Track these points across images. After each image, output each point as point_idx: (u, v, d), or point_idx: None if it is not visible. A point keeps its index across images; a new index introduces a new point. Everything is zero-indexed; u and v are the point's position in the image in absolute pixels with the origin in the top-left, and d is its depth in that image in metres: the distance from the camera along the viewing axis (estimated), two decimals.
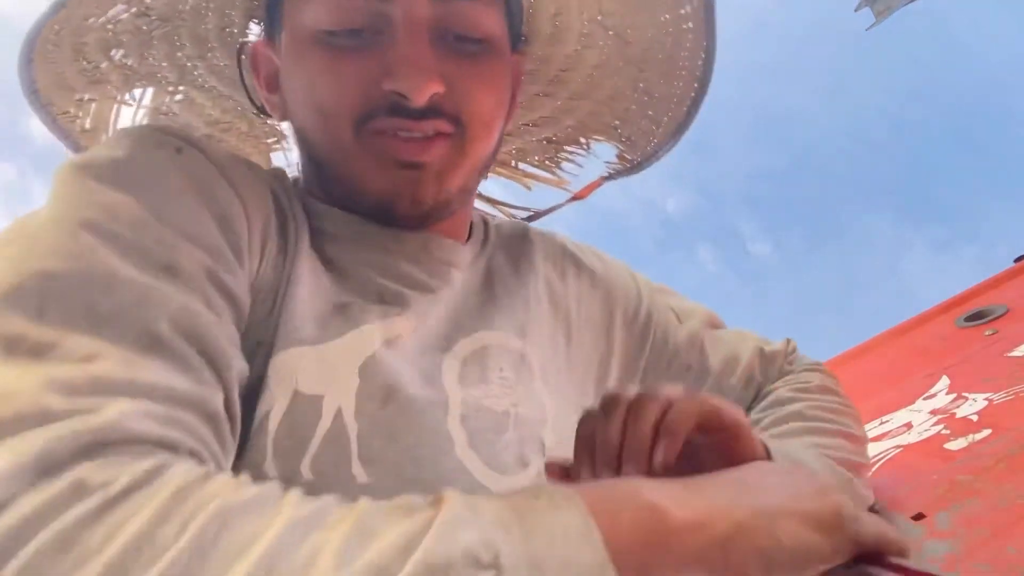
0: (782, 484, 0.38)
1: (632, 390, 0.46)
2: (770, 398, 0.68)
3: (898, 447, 0.85)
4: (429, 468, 0.48)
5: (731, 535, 0.32)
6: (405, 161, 0.53)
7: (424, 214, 0.56)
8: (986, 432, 0.77)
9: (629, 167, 0.76)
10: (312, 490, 0.43)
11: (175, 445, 0.33)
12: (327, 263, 0.54)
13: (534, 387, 0.59)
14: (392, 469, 0.47)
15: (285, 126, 0.73)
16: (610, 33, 0.66)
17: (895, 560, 0.32)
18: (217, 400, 0.39)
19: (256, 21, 0.64)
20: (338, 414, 0.47)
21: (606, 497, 0.32)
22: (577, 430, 0.48)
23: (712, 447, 0.44)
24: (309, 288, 0.51)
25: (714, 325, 0.75)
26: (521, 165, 0.80)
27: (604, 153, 0.78)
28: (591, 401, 0.65)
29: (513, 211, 0.80)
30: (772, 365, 0.73)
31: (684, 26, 0.63)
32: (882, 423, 0.97)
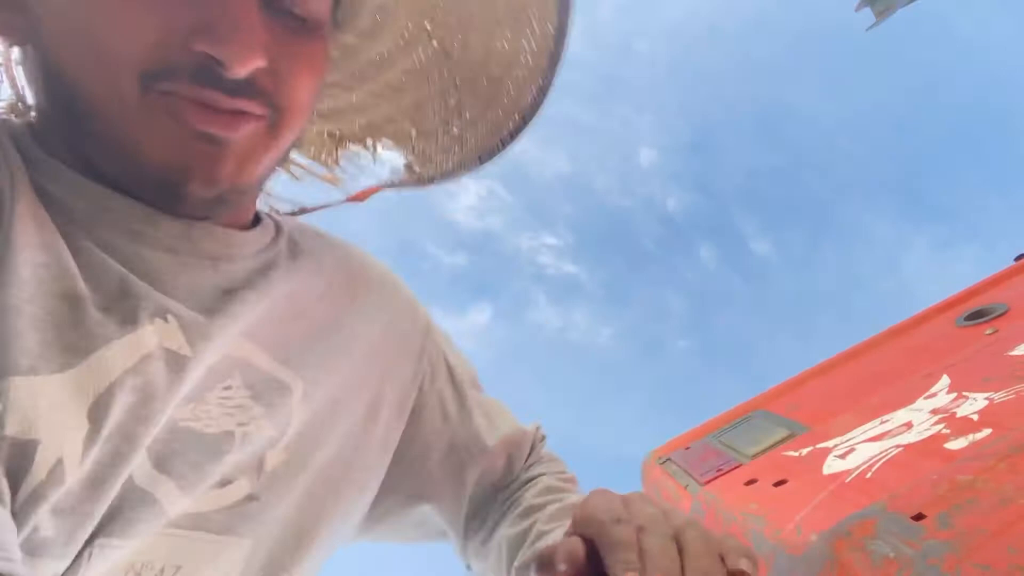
0: None
1: None
2: (540, 485, 0.68)
3: (898, 447, 0.85)
4: (105, 503, 0.42)
5: None
6: (204, 132, 0.43)
7: (212, 200, 0.47)
8: (987, 432, 0.77)
9: (416, 181, 0.70)
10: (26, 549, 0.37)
11: None
12: (53, 240, 0.42)
13: (282, 407, 0.53)
14: (82, 519, 0.40)
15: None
16: (433, 43, 0.61)
17: None
18: None
19: None
20: (58, 465, 0.38)
21: None
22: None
23: None
24: (28, 282, 0.40)
25: (476, 385, 0.74)
26: (294, 154, 0.72)
27: (391, 157, 0.72)
28: (361, 424, 0.62)
29: (276, 203, 0.73)
30: (525, 446, 0.72)
31: (521, 58, 0.59)
32: (882, 423, 0.97)
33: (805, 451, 1.01)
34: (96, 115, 0.44)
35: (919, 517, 0.63)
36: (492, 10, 0.58)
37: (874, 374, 1.25)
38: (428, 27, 0.59)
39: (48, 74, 0.46)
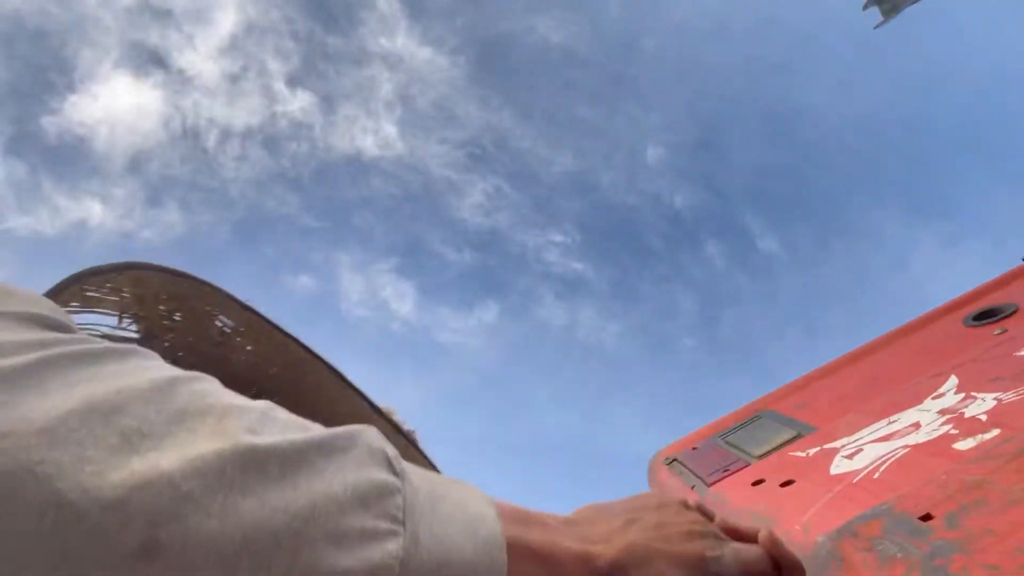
0: (658, 523, 0.39)
1: None
2: None
3: (906, 447, 0.85)
4: None
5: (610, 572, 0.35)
6: None
7: None
8: (995, 432, 0.76)
9: None
10: None
11: None
12: None
13: None
14: None
15: None
16: None
17: None
18: None
19: None
20: None
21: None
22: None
23: None
24: None
25: None
26: None
27: None
28: None
29: None
30: None
31: None
32: (890, 423, 0.97)
33: (812, 451, 1.01)
34: None
35: (927, 517, 0.63)
36: None
37: (882, 374, 1.25)
38: None
39: None
